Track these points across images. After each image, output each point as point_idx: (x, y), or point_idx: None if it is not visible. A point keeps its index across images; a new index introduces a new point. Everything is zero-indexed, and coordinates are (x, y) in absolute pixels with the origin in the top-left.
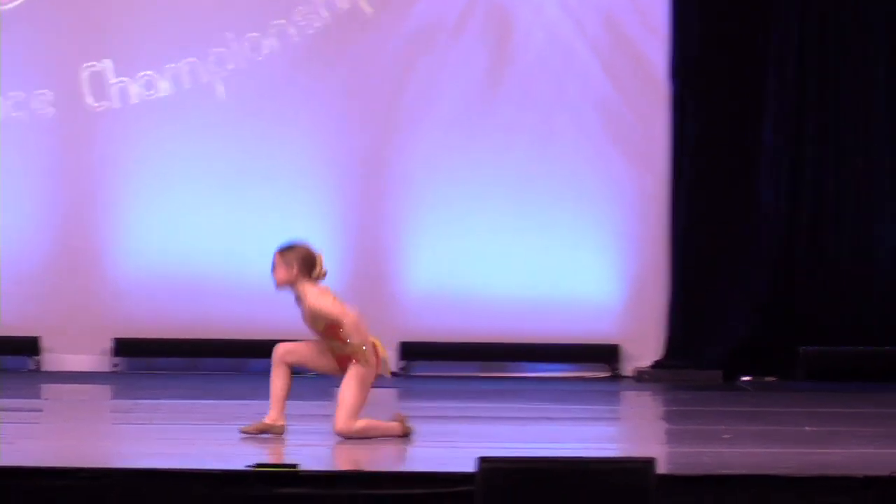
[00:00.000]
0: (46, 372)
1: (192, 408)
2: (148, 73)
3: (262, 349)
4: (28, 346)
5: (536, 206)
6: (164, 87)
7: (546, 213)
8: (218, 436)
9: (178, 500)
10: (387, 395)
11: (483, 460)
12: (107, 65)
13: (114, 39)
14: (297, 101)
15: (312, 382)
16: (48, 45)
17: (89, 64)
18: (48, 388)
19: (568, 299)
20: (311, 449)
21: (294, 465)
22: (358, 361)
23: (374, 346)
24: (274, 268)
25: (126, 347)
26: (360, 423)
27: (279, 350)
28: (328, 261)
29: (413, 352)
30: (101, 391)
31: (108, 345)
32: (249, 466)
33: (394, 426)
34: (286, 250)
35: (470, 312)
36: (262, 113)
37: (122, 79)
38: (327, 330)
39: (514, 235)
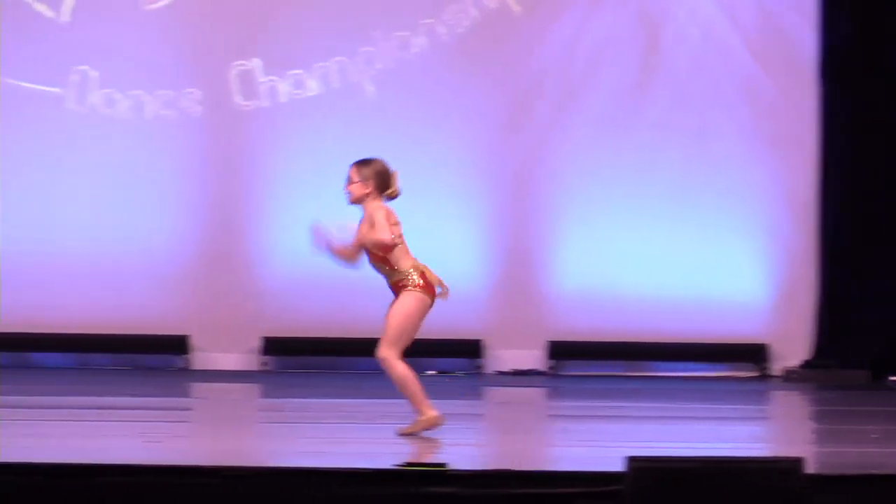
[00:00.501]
0: (195, 371)
1: (340, 406)
2: (297, 71)
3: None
4: (177, 345)
5: (684, 204)
6: (313, 85)
7: (694, 212)
8: (366, 434)
9: (325, 500)
10: (535, 393)
11: (632, 459)
12: (256, 64)
13: (263, 39)
14: (445, 100)
15: (455, 383)
16: (197, 44)
17: (238, 63)
18: (197, 387)
19: (716, 298)
20: (460, 448)
21: (443, 465)
22: (405, 287)
23: (424, 274)
24: (349, 182)
25: (274, 346)
26: (401, 368)
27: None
28: (476, 263)
29: (561, 351)
30: (250, 390)
31: (256, 343)
32: (398, 465)
33: (429, 413)
34: (363, 164)
35: (618, 311)
36: (410, 111)
37: (271, 77)
38: (379, 252)
39: (661, 234)
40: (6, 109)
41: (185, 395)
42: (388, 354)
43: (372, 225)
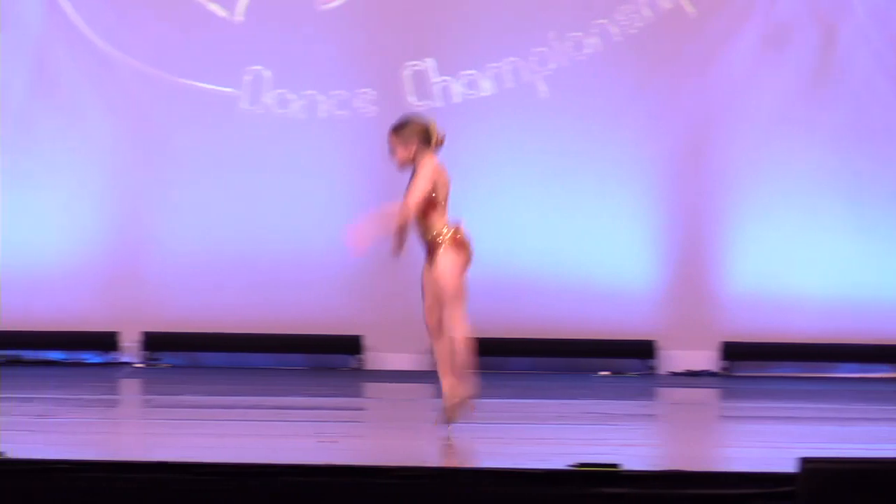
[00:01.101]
0: (368, 370)
1: (510, 406)
2: (471, 72)
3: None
4: (351, 345)
5: (858, 203)
6: (486, 86)
7: (867, 212)
8: (538, 434)
9: (497, 500)
10: (708, 394)
11: (805, 461)
12: (430, 64)
13: (437, 39)
14: (618, 101)
15: (628, 384)
16: (370, 43)
17: (412, 63)
18: (370, 387)
19: (892, 298)
20: (633, 449)
21: (615, 465)
22: (440, 245)
23: (457, 231)
24: (392, 150)
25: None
26: (467, 332)
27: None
28: (649, 263)
29: (735, 352)
30: (422, 390)
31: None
32: (571, 466)
33: (457, 389)
34: (400, 129)
35: (793, 312)
36: (583, 112)
37: (444, 78)
38: (423, 206)
39: (836, 234)
40: (180, 110)
41: (359, 395)
42: (458, 320)
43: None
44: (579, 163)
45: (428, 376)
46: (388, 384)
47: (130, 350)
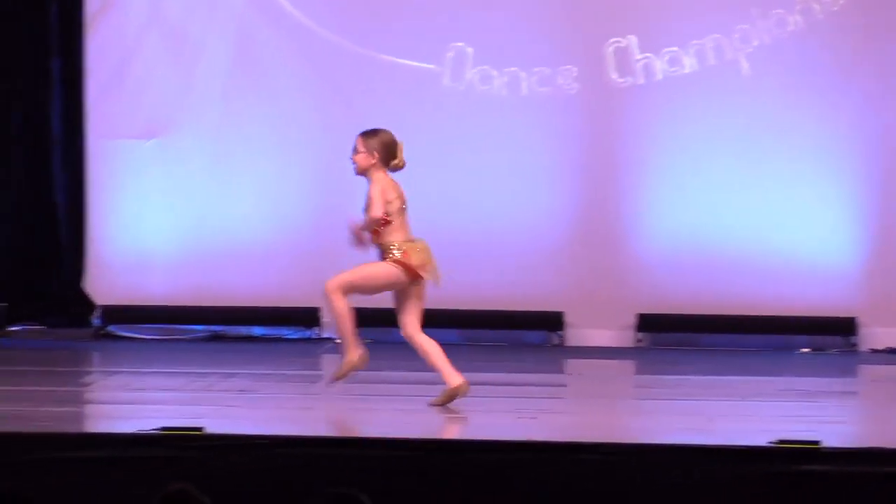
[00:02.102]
0: (569, 347)
1: (714, 384)
2: (673, 49)
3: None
4: (552, 322)
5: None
6: (688, 63)
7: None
8: (739, 412)
9: (696, 476)
10: None
11: None
12: (632, 41)
13: (640, 16)
14: (823, 78)
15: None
16: (574, 20)
17: (615, 40)
18: (572, 363)
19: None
20: (833, 426)
21: (816, 442)
22: (386, 260)
23: (408, 252)
24: (354, 152)
25: (650, 322)
26: (342, 305)
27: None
28: (848, 240)
29: None
30: (624, 366)
31: (631, 320)
32: (771, 443)
33: (351, 355)
34: (369, 135)
35: None
36: (785, 90)
37: (646, 55)
38: (374, 225)
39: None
40: (384, 86)
41: (560, 371)
42: (335, 289)
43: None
44: (781, 141)
45: (628, 353)
46: (589, 360)
47: (331, 326)
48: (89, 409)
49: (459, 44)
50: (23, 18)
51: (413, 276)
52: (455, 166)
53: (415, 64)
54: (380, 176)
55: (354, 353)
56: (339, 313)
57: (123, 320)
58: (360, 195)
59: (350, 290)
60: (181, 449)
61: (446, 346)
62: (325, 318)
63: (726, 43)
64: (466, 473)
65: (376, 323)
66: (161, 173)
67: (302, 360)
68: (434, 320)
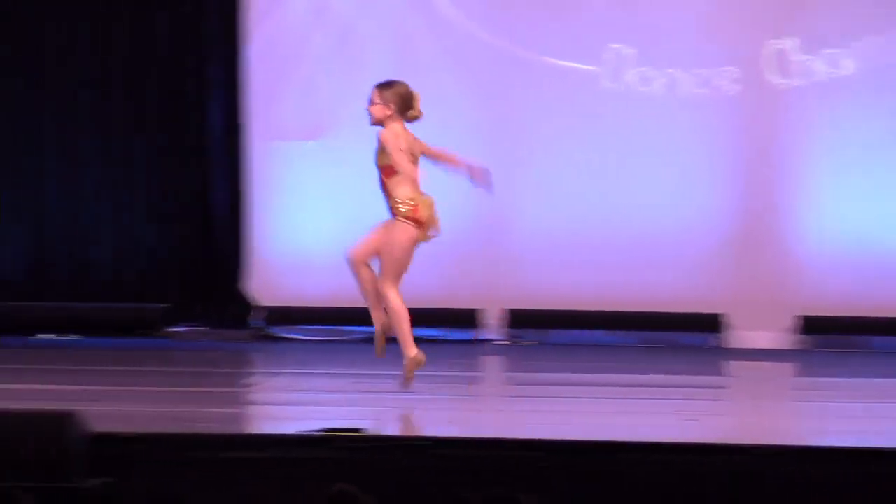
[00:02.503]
0: (729, 349)
1: (876, 386)
2: (834, 50)
3: None
4: (710, 323)
5: None
6: (848, 65)
7: None
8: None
9: (846, 479)
10: None
11: None
12: (792, 42)
13: (801, 17)
14: None
15: None
16: (732, 21)
17: (774, 41)
18: (732, 365)
19: None
20: None
21: None
22: (397, 216)
23: (417, 207)
24: (370, 103)
25: (811, 324)
26: (398, 302)
27: (351, 255)
28: None
29: None
30: (784, 368)
31: (791, 322)
32: None
33: (411, 352)
34: (385, 86)
35: None
36: None
37: (807, 56)
38: (385, 172)
39: None
40: (544, 88)
41: (720, 372)
42: (388, 288)
43: (383, 148)
44: None
45: (789, 355)
46: (750, 362)
47: (492, 327)
48: (252, 410)
49: (618, 45)
50: (183, 23)
51: (423, 231)
52: (613, 167)
53: (574, 65)
54: (395, 126)
55: (412, 349)
56: (396, 310)
57: (284, 321)
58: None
59: (398, 278)
60: (344, 450)
61: (607, 349)
62: (487, 320)
63: (887, 44)
64: (626, 475)
65: (541, 325)
66: (322, 174)
67: (463, 362)
68: (593, 321)
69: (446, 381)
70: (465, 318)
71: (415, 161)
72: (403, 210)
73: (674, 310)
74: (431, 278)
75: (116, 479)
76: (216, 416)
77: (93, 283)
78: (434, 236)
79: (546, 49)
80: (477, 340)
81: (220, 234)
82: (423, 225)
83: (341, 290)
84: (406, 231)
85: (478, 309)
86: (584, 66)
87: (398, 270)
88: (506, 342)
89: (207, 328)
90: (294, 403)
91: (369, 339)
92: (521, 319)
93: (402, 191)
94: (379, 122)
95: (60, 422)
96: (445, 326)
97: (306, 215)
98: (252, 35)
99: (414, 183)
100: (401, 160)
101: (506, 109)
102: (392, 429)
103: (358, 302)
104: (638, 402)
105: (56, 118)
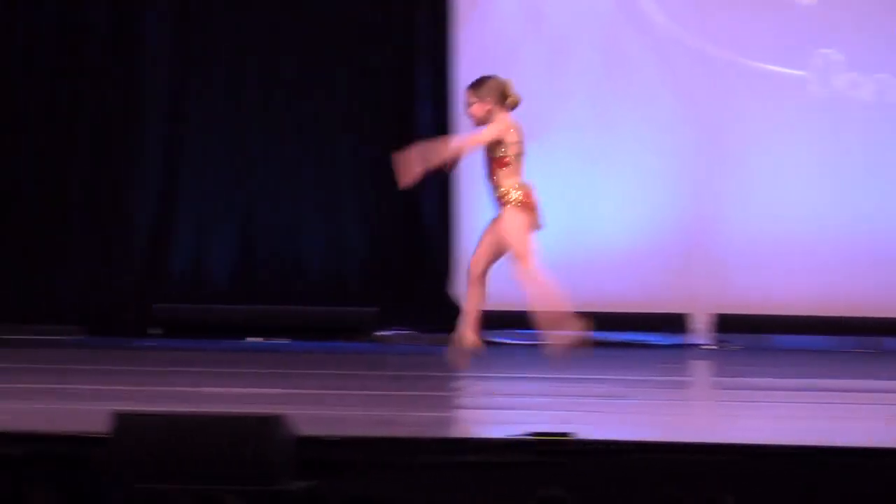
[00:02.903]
0: None
1: None
2: None
3: None
4: None
5: None
6: None
7: None
8: None
9: None
10: None
11: None
12: None
13: None
14: None
15: None
16: None
17: None
18: None
19: None
20: None
21: None
22: (507, 204)
23: (528, 194)
24: (468, 106)
25: None
26: (543, 278)
27: (471, 267)
28: None
29: None
30: None
31: None
32: None
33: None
34: (476, 85)
35: None
36: None
37: None
38: (497, 163)
39: None
40: (749, 93)
41: None
42: (529, 273)
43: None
44: None
45: None
46: None
47: (699, 331)
48: (458, 413)
49: (827, 50)
50: (395, 33)
51: (534, 218)
52: (820, 172)
53: (781, 70)
54: (502, 117)
55: (574, 321)
56: (542, 292)
57: (491, 325)
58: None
59: (532, 258)
60: (551, 454)
61: (816, 354)
62: (695, 324)
63: None
64: (834, 480)
65: (748, 329)
66: (532, 177)
67: (671, 366)
68: (804, 325)
69: (655, 385)
70: (673, 323)
71: (522, 153)
72: (515, 196)
73: (874, 314)
74: (638, 282)
75: (321, 482)
76: (422, 419)
77: (301, 287)
78: (542, 226)
79: (752, 53)
80: (685, 345)
81: (430, 239)
82: (534, 211)
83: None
84: (518, 217)
85: (685, 314)
86: (791, 71)
87: (527, 253)
88: (713, 346)
89: (415, 332)
90: (500, 407)
91: (572, 344)
92: (728, 323)
93: (510, 181)
94: (483, 121)
95: (267, 425)
96: (650, 330)
97: None
98: (461, 44)
99: (520, 173)
100: (485, 136)
101: (712, 113)
102: (598, 433)
103: (563, 306)
104: (849, 407)
105: (264, 123)
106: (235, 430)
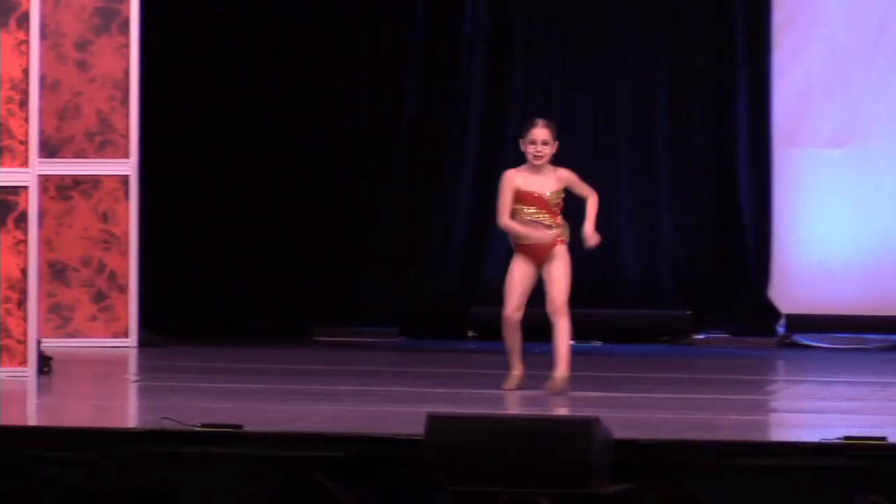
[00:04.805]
0: None
1: None
2: None
3: None
4: None
5: None
6: None
7: None
8: None
9: None
10: None
11: None
12: None
13: None
14: None
15: None
16: None
17: None
18: None
19: None
20: None
21: None
22: (561, 244)
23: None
24: (546, 143)
25: None
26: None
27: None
28: None
29: None
30: None
31: None
32: None
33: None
34: (552, 126)
35: None
36: None
37: None
38: (559, 206)
39: None
40: None
41: None
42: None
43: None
44: None
45: None
46: None
47: None
48: (772, 417)
49: None
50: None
51: None
52: None
53: None
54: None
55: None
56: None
57: (808, 329)
58: None
59: None
60: (865, 458)
61: None
62: None
63: None
64: None
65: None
66: (849, 182)
67: None
68: None
69: None
70: None
71: None
72: (566, 234)
73: None
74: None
75: (635, 485)
76: (736, 423)
77: (619, 290)
78: None
79: None
80: None
81: (747, 241)
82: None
83: (862, 299)
84: (568, 255)
85: None
86: None
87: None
88: None
89: (731, 335)
90: (814, 411)
91: (891, 348)
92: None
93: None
94: (549, 159)
95: (586, 427)
96: None
97: (832, 222)
98: (778, 42)
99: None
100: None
101: None
102: None
103: (879, 310)
104: None
105: (582, 127)
106: (555, 432)
